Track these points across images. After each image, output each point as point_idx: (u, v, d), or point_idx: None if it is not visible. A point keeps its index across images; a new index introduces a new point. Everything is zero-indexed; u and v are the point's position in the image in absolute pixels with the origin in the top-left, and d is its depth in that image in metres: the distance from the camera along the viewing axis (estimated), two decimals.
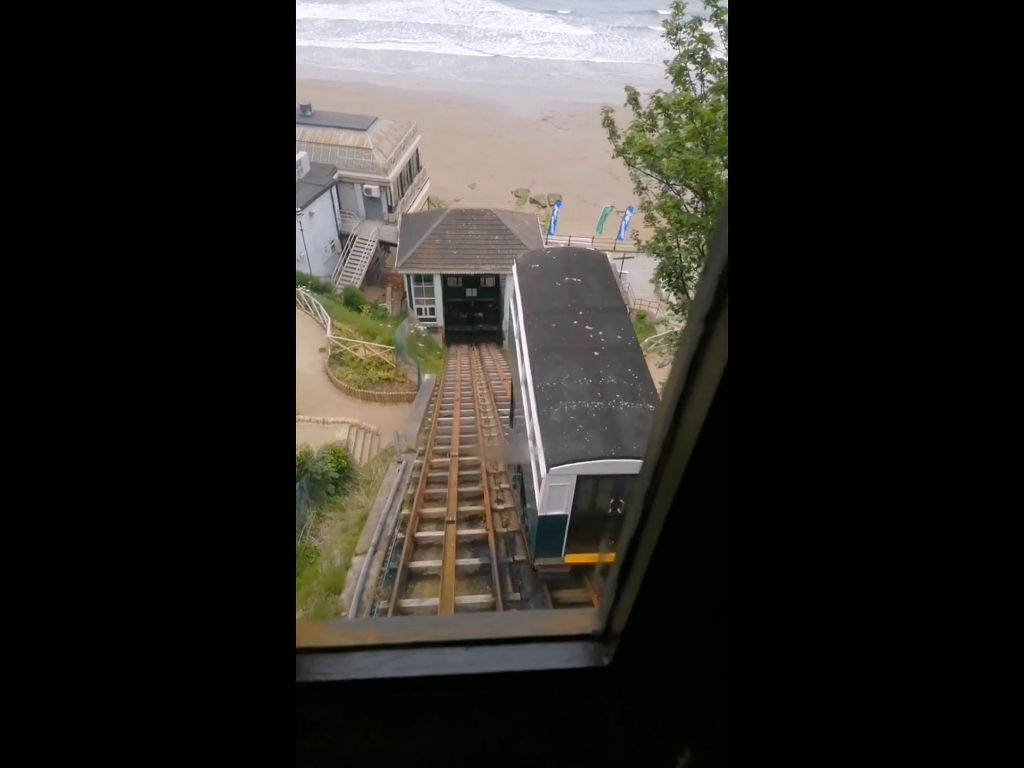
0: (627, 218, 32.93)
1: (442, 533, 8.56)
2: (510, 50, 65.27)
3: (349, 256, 27.72)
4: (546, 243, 27.76)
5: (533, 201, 39.96)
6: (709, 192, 10.57)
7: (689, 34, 10.43)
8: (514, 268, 9.74)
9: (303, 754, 0.85)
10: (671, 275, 11.55)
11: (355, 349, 19.35)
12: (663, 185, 11.07)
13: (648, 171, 10.82)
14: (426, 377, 18.49)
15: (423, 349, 22.58)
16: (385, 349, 19.42)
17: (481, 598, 7.78)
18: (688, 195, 11.25)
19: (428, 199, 32.33)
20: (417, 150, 31.04)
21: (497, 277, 28.18)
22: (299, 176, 25.24)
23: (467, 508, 9.45)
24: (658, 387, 8.28)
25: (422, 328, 24.90)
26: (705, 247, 10.73)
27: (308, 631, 0.84)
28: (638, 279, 30.53)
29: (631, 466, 7.04)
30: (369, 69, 58.19)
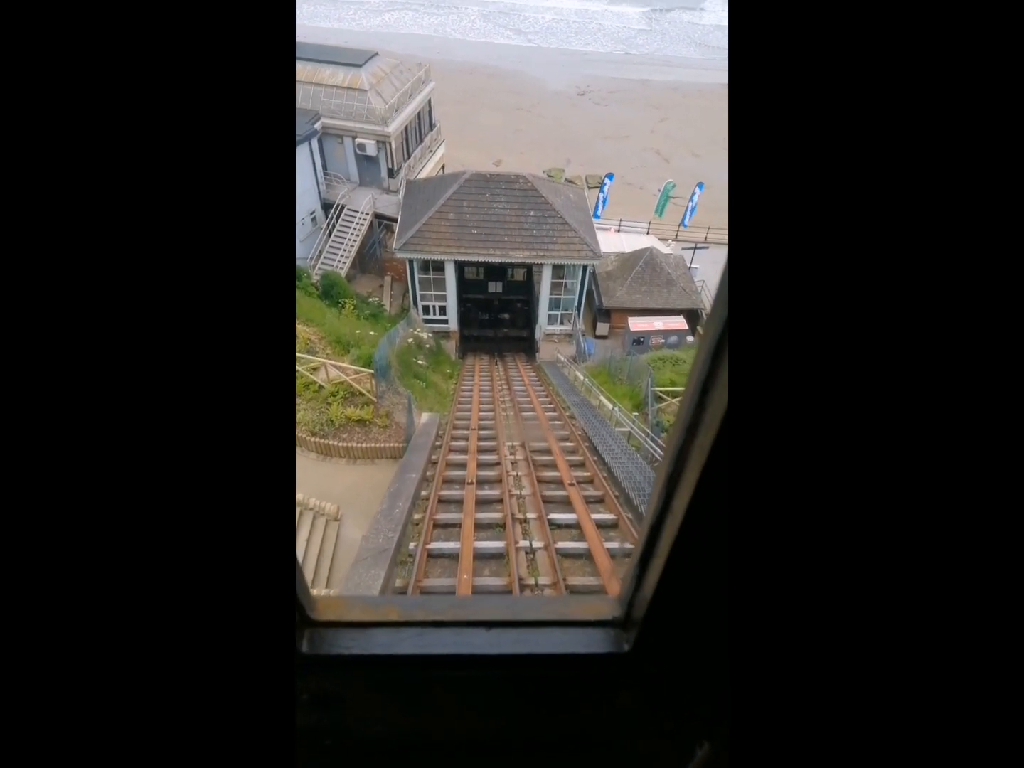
0: (694, 199, 25.83)
1: None
2: (544, 23, 59.40)
3: (334, 233, 20.82)
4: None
5: (569, 181, 33.55)
6: None
7: None
8: None
9: (325, 727, 0.89)
10: None
11: (314, 370, 12.40)
12: None
13: None
14: (424, 417, 11.59)
15: (424, 368, 15.54)
16: (362, 372, 12.44)
17: None
18: None
19: (443, 168, 25.41)
20: (430, 100, 24.11)
21: (529, 268, 21.23)
22: None
23: None
24: None
25: (426, 336, 17.95)
26: None
27: (331, 605, 0.85)
28: (712, 276, 23.65)
29: None
30: (383, 34, 52.13)
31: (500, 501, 8.10)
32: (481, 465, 9.29)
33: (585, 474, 9.05)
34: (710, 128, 39.43)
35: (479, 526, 7.31)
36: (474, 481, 8.43)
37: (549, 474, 8.94)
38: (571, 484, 8.43)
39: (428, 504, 7.76)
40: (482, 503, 8.02)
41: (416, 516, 7.57)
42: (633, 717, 0.92)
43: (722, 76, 52.45)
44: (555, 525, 7.38)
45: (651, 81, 49.62)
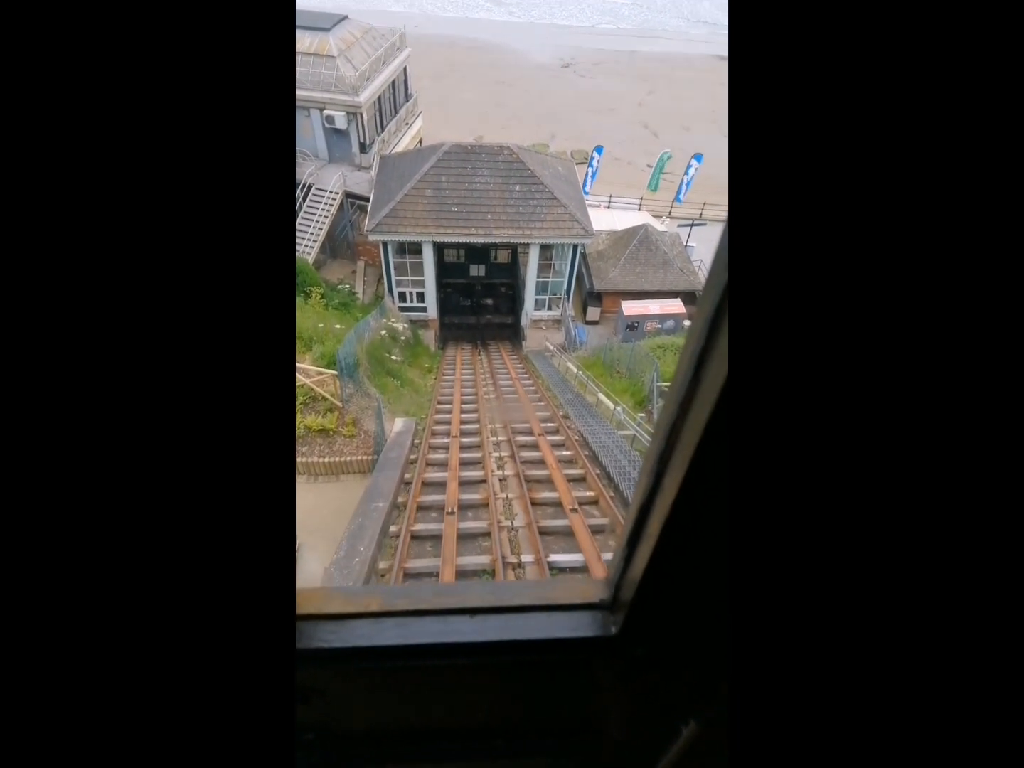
0: (690, 171, 24.25)
1: None
2: None
3: (302, 215, 19.05)
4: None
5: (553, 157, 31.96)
6: None
7: None
8: None
9: (307, 722, 0.87)
10: None
11: None
12: None
13: None
14: (398, 424, 10.03)
15: (398, 363, 13.91)
16: (325, 373, 10.83)
17: None
18: None
19: (420, 143, 23.61)
20: (405, 69, 22.29)
21: (515, 249, 19.65)
22: None
23: None
24: None
25: (401, 326, 16.30)
26: None
27: (310, 598, 0.84)
28: (710, 255, 22.03)
29: None
30: (356, 11, 49.85)
31: (487, 535, 6.61)
32: (464, 485, 7.78)
33: (589, 494, 7.57)
34: (700, 100, 38.05)
35: (462, 575, 5.82)
36: (455, 510, 6.92)
37: (546, 495, 7.45)
38: (573, 510, 6.94)
39: (398, 545, 6.25)
40: (465, 539, 6.53)
41: (382, 564, 6.06)
42: (620, 698, 0.92)
43: (711, 47, 51.30)
44: (558, 570, 5.92)
45: (638, 52, 48.30)
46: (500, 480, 7.97)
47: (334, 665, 0.82)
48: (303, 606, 0.82)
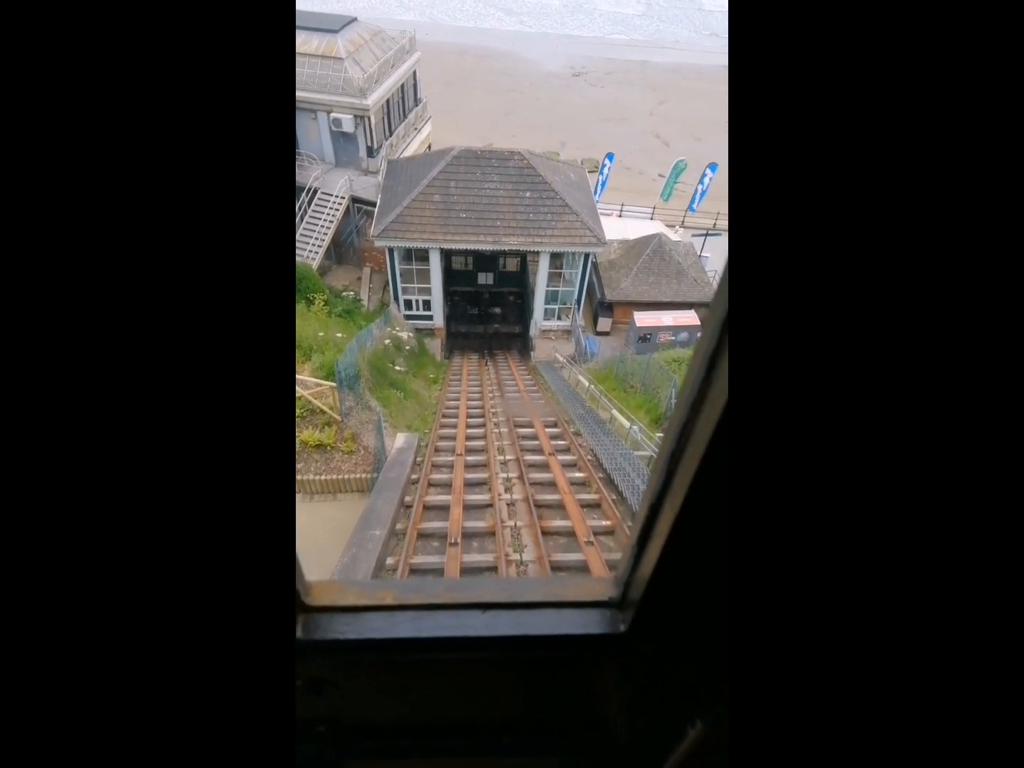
0: (705, 180, 23.67)
1: None
2: (537, 3, 57.29)
3: (306, 219, 18.53)
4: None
5: None
6: None
7: None
8: None
9: (319, 714, 0.88)
10: None
11: None
12: None
13: None
14: (399, 439, 9.42)
15: (402, 374, 13.31)
16: (324, 385, 10.22)
17: None
18: None
19: (429, 148, 23.13)
20: (415, 73, 21.82)
21: (524, 256, 19.10)
22: None
23: None
24: None
25: (406, 335, 15.72)
26: None
27: (326, 590, 0.85)
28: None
29: None
30: (365, 18, 49.68)
31: (494, 570, 5.99)
32: (468, 509, 7.16)
33: (605, 523, 6.94)
34: (712, 111, 37.51)
35: None
36: (458, 540, 6.29)
37: (558, 523, 6.82)
38: (588, 542, 6.31)
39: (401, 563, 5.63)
40: (469, 574, 5.91)
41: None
42: (627, 697, 0.92)
43: (722, 59, 51.09)
44: None
45: (650, 63, 47.92)
46: (508, 505, 7.35)
47: (347, 656, 0.83)
48: (318, 598, 0.82)
